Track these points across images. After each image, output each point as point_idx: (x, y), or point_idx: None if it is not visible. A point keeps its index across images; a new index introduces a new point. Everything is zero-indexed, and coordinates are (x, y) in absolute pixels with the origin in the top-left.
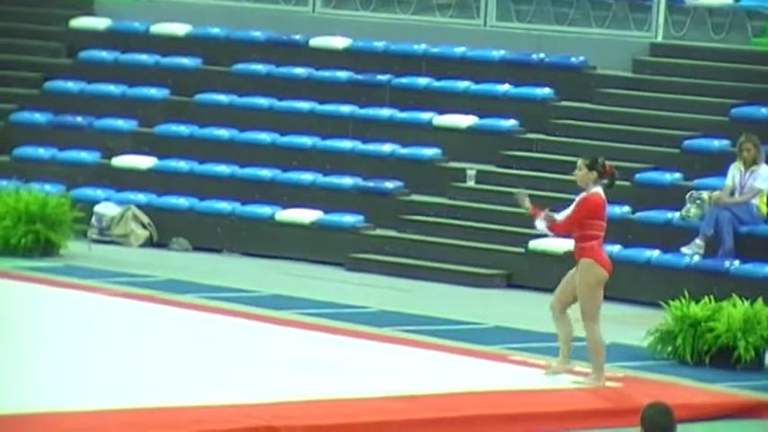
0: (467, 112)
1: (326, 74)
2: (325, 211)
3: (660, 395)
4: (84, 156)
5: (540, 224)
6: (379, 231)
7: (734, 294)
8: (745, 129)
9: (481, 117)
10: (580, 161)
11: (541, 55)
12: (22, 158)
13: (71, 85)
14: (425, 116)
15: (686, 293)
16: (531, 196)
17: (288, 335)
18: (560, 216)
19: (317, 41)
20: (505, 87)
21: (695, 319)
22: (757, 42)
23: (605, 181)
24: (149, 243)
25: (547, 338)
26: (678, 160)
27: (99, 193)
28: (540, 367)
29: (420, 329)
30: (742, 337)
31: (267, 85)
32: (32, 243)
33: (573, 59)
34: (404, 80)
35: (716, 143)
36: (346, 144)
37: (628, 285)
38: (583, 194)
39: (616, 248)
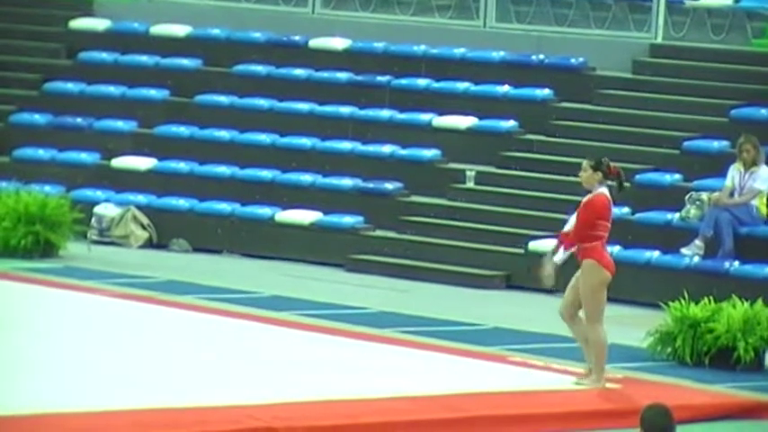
0: (466, 113)
1: (326, 75)
2: (325, 212)
3: (660, 396)
4: (84, 157)
5: (559, 256)
6: (378, 232)
7: (733, 295)
8: (745, 130)
9: (481, 118)
10: (585, 162)
11: (541, 56)
12: (22, 160)
13: (71, 86)
14: (425, 117)
15: (686, 294)
16: (530, 197)
17: (288, 336)
18: (568, 227)
19: (317, 42)
20: (505, 88)
21: (695, 319)
22: (757, 43)
23: (611, 182)
24: (149, 244)
25: (547, 339)
26: (678, 161)
27: (99, 194)
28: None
29: (419, 330)
30: (742, 338)
31: (267, 86)
32: (32, 244)
33: (572, 60)
34: (403, 81)
35: (715, 144)
36: (346, 145)
37: (627, 286)
38: (588, 197)
39: (616, 249)
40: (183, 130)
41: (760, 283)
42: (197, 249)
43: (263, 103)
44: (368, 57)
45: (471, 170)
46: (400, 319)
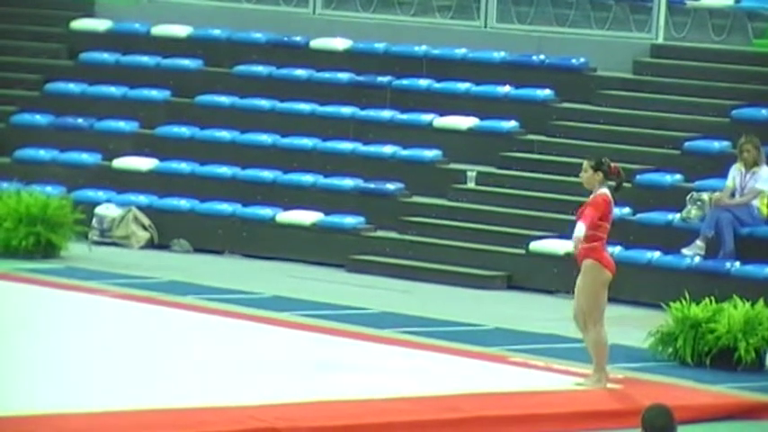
0: (467, 114)
1: (327, 75)
2: (326, 213)
3: (661, 396)
4: (85, 157)
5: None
6: (379, 233)
7: (734, 295)
8: (746, 130)
9: (482, 118)
10: (585, 163)
11: (542, 56)
12: (23, 160)
13: (72, 87)
14: (426, 117)
15: (687, 295)
16: (531, 197)
17: (288, 336)
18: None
19: (318, 43)
20: (506, 89)
21: (696, 320)
22: (758, 44)
23: (612, 182)
24: (150, 245)
25: (547, 340)
26: (679, 162)
27: (100, 194)
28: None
29: (420, 331)
30: (743, 339)
31: (268, 87)
32: (33, 245)
33: (573, 61)
34: (404, 82)
35: (716, 144)
36: (347, 145)
37: (628, 286)
38: (592, 196)
39: (617, 250)
40: (184, 130)
41: (761, 283)
42: (198, 250)
43: (264, 103)
44: (369, 57)
45: (472, 170)
46: (401, 320)
